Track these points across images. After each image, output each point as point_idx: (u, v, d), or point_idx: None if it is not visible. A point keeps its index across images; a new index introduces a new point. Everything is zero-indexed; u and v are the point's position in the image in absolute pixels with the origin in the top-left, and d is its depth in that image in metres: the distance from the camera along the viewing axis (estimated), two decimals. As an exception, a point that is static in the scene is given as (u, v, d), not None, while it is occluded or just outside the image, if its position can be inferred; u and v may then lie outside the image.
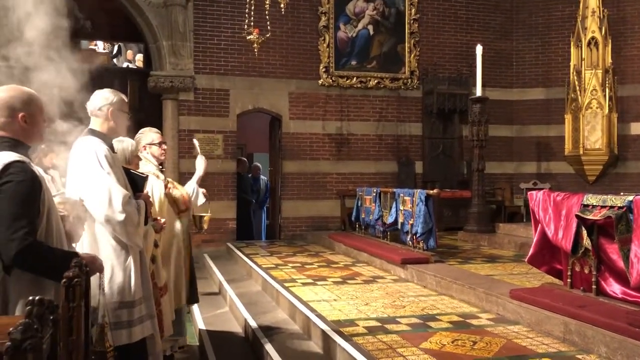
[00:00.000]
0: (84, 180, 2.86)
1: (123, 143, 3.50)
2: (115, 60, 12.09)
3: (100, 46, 12.16)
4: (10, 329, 1.16)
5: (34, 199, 2.22)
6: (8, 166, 2.19)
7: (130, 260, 2.94)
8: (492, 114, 9.67)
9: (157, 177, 4.22)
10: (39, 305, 1.29)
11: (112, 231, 2.87)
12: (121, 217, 2.80)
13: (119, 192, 2.82)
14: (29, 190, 2.20)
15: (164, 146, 4.37)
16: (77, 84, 2.98)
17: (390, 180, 10.43)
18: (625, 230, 3.64)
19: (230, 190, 9.91)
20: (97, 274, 2.61)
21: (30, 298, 1.31)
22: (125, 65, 11.83)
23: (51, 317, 1.38)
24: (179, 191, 4.37)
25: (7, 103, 2.29)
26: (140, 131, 4.37)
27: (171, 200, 4.26)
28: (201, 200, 4.65)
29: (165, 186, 4.27)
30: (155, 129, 4.49)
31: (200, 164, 4.70)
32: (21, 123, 2.31)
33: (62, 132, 2.97)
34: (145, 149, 4.25)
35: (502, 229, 8.68)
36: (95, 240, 2.88)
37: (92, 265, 2.48)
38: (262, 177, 11.40)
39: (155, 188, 4.11)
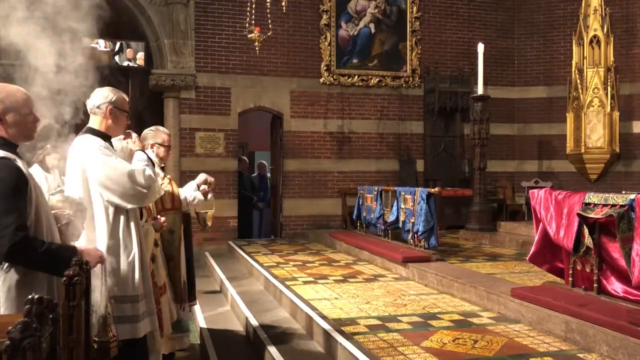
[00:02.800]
0: (96, 174, 2.86)
1: (122, 142, 3.49)
2: (116, 58, 12.08)
3: (101, 44, 12.15)
4: (9, 327, 1.16)
5: (21, 195, 2.21)
6: None
7: (135, 255, 2.95)
8: (493, 113, 9.65)
9: (157, 174, 4.19)
10: (38, 304, 1.29)
11: (133, 204, 2.93)
12: (145, 191, 2.93)
13: (137, 168, 2.93)
14: (14, 186, 2.19)
15: (170, 150, 4.34)
16: (79, 82, 2.98)
17: (391, 179, 10.42)
18: (627, 228, 3.63)
19: (231, 189, 9.91)
20: (99, 265, 2.61)
21: (30, 297, 1.31)
22: (126, 63, 11.81)
23: (50, 316, 1.37)
24: (170, 187, 4.30)
25: None
26: (151, 128, 4.29)
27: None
28: (198, 197, 4.52)
29: (165, 182, 4.23)
30: (166, 130, 4.40)
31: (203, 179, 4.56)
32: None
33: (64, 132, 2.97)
34: (152, 148, 4.18)
35: (503, 227, 8.67)
36: (95, 238, 2.88)
37: (94, 256, 2.48)
38: (268, 174, 11.42)
39: None
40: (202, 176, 4.53)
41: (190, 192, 4.51)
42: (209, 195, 4.55)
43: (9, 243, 2.14)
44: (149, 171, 2.97)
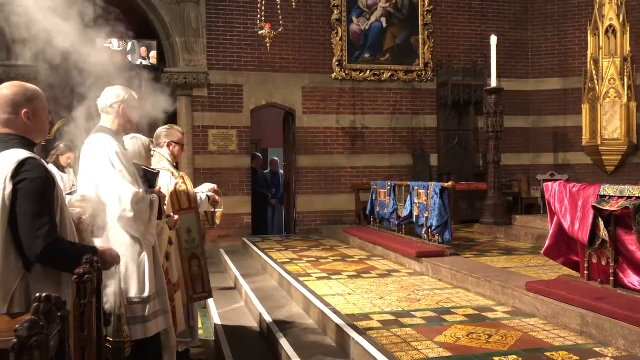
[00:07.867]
0: (96, 179, 2.88)
1: (135, 140, 3.51)
2: (130, 57, 12.15)
3: (115, 44, 12.23)
4: (17, 326, 1.17)
5: (51, 195, 2.23)
6: (22, 164, 2.18)
7: (144, 256, 2.96)
8: (508, 105, 9.56)
9: (172, 173, 4.20)
10: (45, 302, 1.30)
11: (125, 228, 2.90)
12: (130, 214, 2.84)
13: (129, 191, 2.85)
14: (45, 187, 2.21)
15: (183, 148, 4.36)
16: (92, 81, 2.99)
17: (405, 174, 10.38)
18: (643, 221, 3.58)
19: (245, 186, 9.94)
20: (115, 266, 2.63)
21: (37, 295, 1.32)
22: (139, 62, 11.88)
23: (59, 314, 1.38)
24: (185, 187, 4.29)
25: (11, 100, 2.27)
26: (166, 126, 4.29)
27: (174, 196, 4.18)
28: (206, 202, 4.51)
29: (179, 182, 4.23)
30: (179, 128, 4.43)
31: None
32: (24, 120, 2.29)
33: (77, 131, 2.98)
34: (168, 147, 4.19)
35: (518, 221, 8.60)
36: (109, 237, 2.90)
37: (110, 257, 2.50)
38: (280, 171, 11.43)
39: (165, 183, 4.09)
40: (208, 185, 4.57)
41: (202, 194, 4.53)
42: (219, 208, 4.56)
43: (44, 244, 2.14)
44: (147, 198, 2.92)
